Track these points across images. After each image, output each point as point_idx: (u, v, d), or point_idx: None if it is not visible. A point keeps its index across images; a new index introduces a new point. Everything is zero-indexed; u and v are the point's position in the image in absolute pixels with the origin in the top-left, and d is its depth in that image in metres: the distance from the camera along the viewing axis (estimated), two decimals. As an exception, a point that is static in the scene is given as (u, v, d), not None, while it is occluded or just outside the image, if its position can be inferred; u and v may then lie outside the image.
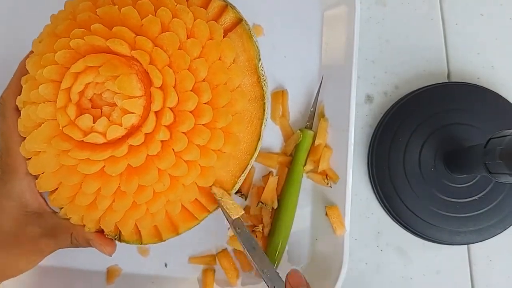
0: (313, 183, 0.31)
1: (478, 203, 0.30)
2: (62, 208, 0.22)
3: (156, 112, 0.20)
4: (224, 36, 0.22)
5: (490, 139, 0.24)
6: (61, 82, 0.19)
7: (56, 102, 0.19)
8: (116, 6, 0.20)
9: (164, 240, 0.23)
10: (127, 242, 0.23)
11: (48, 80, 0.20)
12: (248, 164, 0.23)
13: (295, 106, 0.32)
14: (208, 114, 0.20)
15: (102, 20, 0.20)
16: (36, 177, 0.22)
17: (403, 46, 0.33)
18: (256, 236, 0.30)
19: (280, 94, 0.31)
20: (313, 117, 0.31)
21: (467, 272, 0.31)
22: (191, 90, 0.20)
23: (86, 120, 0.19)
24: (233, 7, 0.23)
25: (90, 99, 0.20)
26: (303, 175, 0.30)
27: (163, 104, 0.19)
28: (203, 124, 0.20)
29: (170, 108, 0.20)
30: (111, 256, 0.24)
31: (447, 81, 0.33)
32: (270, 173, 0.31)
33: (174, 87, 0.20)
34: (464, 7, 0.34)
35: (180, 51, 0.20)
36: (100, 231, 0.23)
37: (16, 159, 0.22)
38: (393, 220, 0.32)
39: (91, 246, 0.24)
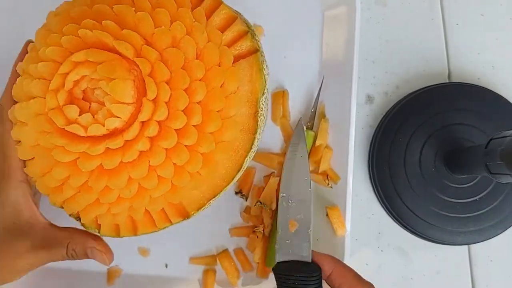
0: (314, 183, 0.31)
1: (479, 204, 0.30)
2: (33, 179, 0.22)
3: (142, 122, 0.20)
4: (236, 61, 0.22)
5: (490, 139, 0.24)
6: (60, 64, 0.19)
7: (50, 82, 0.20)
8: (133, 9, 0.20)
9: (121, 237, 0.23)
10: (86, 228, 0.23)
11: (49, 59, 0.20)
12: (221, 191, 0.22)
13: (295, 107, 0.32)
14: (192, 137, 0.20)
15: (116, 18, 0.20)
16: (30, 186, 0.23)
17: (403, 46, 0.33)
18: (257, 237, 0.30)
19: (280, 94, 0.31)
20: (313, 118, 0.31)
21: (467, 272, 0.31)
22: (182, 110, 0.20)
23: (72, 110, 0.19)
24: (253, 35, 0.23)
25: (83, 90, 0.20)
26: (303, 176, 0.31)
27: (151, 116, 0.19)
28: (185, 145, 0.20)
29: (158, 122, 0.20)
30: (108, 265, 0.24)
31: (447, 81, 0.33)
32: (272, 173, 0.31)
33: (166, 103, 0.20)
34: (464, 7, 0.34)
35: (183, 70, 0.20)
36: (97, 237, 0.23)
37: (12, 165, 0.22)
38: (393, 220, 0.32)
39: (86, 258, 0.23)
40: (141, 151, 0.20)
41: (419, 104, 0.31)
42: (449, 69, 0.34)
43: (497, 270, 0.31)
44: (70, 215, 0.22)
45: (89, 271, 0.30)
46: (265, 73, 0.23)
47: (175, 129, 0.20)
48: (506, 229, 0.31)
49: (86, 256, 0.23)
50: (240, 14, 0.24)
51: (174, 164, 0.20)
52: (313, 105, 0.31)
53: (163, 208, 0.22)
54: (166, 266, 0.30)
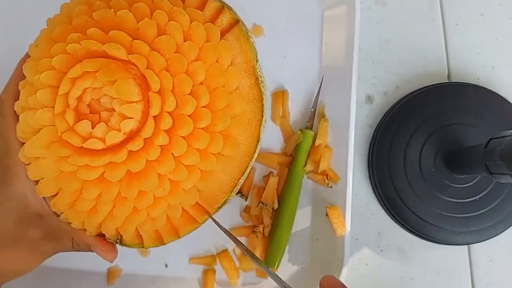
0: (314, 183, 0.31)
1: (479, 203, 0.30)
2: (63, 213, 0.22)
3: (154, 117, 0.19)
4: (221, 38, 0.22)
5: (490, 139, 0.24)
6: (58, 87, 0.19)
7: (54, 107, 0.19)
8: (112, 10, 0.20)
9: (165, 244, 0.23)
10: (129, 246, 0.23)
11: (46, 85, 0.20)
12: (248, 166, 0.22)
13: (295, 107, 0.32)
14: (206, 118, 0.20)
15: (98, 24, 0.20)
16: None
17: (403, 46, 0.33)
18: (257, 236, 0.30)
19: (280, 94, 0.31)
20: (313, 118, 0.31)
21: (467, 272, 0.31)
22: (189, 94, 0.20)
23: (84, 126, 0.19)
24: (229, 8, 0.23)
25: (88, 104, 0.19)
26: (303, 176, 0.31)
27: (161, 109, 0.19)
28: (202, 128, 0.20)
29: (169, 113, 0.20)
30: (112, 262, 0.24)
31: (447, 81, 0.33)
32: (270, 173, 0.31)
33: (172, 91, 0.20)
34: (464, 7, 0.34)
35: (177, 54, 0.20)
36: (101, 236, 0.23)
37: (16, 160, 0.22)
38: (393, 220, 0.32)
39: (90, 251, 0.23)
40: (162, 145, 0.19)
41: (418, 104, 0.31)
42: (448, 69, 0.34)
43: (497, 270, 0.31)
44: (108, 239, 0.22)
45: (89, 271, 0.30)
46: (252, 41, 0.23)
47: (187, 115, 0.20)
48: (506, 229, 0.31)
49: (90, 249, 0.23)
50: None
51: (197, 149, 0.20)
52: (313, 105, 0.31)
53: (197, 202, 0.22)
54: (166, 266, 0.30)
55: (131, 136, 0.20)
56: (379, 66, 0.33)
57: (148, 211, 0.21)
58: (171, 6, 0.20)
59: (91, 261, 0.30)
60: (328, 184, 0.30)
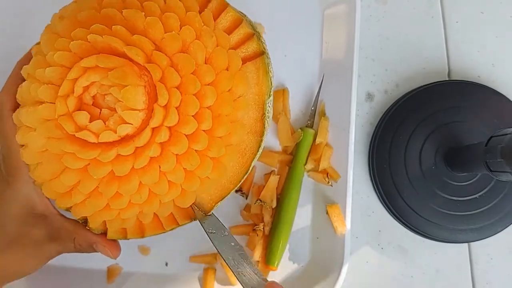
0: (314, 181, 0.31)
1: (479, 201, 0.30)
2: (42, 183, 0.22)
3: (153, 128, 0.19)
4: (242, 63, 0.21)
5: (491, 137, 0.24)
6: (69, 69, 0.19)
7: (59, 87, 0.19)
8: (143, 13, 0.20)
9: (128, 239, 0.23)
10: (93, 231, 0.23)
11: (58, 64, 0.20)
12: (229, 193, 0.22)
13: (296, 105, 0.32)
14: (203, 142, 0.20)
15: (126, 23, 0.20)
16: None
17: (403, 44, 0.33)
18: (257, 235, 0.30)
19: (280, 93, 0.31)
20: (313, 116, 0.31)
21: (467, 270, 0.31)
22: (193, 115, 0.20)
23: (83, 117, 0.19)
24: (259, 38, 0.23)
25: (92, 96, 0.19)
26: (304, 174, 0.30)
27: (162, 122, 0.19)
28: (195, 150, 0.20)
29: (168, 127, 0.20)
30: (116, 259, 0.24)
31: (447, 79, 0.33)
32: (272, 172, 0.31)
33: (177, 108, 0.19)
34: (464, 5, 0.34)
35: (193, 76, 0.20)
36: (104, 234, 0.23)
37: (19, 160, 0.22)
38: (394, 218, 0.32)
39: (95, 251, 0.23)
40: (152, 157, 0.20)
41: (419, 102, 0.31)
42: (449, 67, 0.33)
43: (497, 268, 0.31)
44: (74, 216, 0.22)
45: (89, 269, 0.30)
46: (271, 75, 0.23)
47: (185, 134, 0.20)
48: (506, 227, 0.31)
49: (93, 249, 0.23)
50: (245, 16, 0.24)
51: (185, 169, 0.20)
52: (313, 103, 0.31)
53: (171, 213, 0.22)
54: (166, 264, 0.30)
55: (125, 139, 0.20)
56: (380, 64, 0.33)
57: (119, 212, 0.21)
58: (202, 24, 0.20)
59: (91, 260, 0.30)
60: (328, 182, 0.30)
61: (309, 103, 0.32)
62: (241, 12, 0.23)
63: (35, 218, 0.23)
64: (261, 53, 0.22)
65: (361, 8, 0.29)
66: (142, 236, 0.23)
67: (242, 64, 0.22)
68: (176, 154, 0.20)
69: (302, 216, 0.30)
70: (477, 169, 0.29)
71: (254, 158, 0.22)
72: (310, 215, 0.31)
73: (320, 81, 0.31)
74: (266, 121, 0.22)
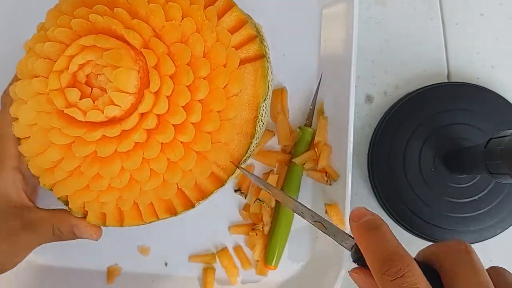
0: (313, 181, 0.31)
1: (478, 203, 0.30)
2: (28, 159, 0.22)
3: (141, 114, 0.20)
4: (242, 64, 0.21)
5: (490, 139, 0.24)
6: (67, 46, 0.20)
7: (55, 62, 0.20)
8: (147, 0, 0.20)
9: (107, 226, 0.23)
10: (73, 213, 0.23)
11: (57, 40, 0.20)
12: (210, 194, 0.22)
13: (294, 104, 0.31)
14: (189, 134, 0.20)
15: (129, 7, 0.20)
16: (23, 173, 0.23)
17: (402, 46, 0.33)
18: (256, 234, 0.30)
19: (279, 92, 0.31)
20: (312, 115, 0.31)
21: (467, 272, 0.31)
22: (183, 106, 0.20)
23: (73, 94, 0.19)
24: (262, 41, 0.23)
25: (86, 75, 0.20)
26: (302, 173, 0.31)
27: (151, 109, 0.19)
28: (181, 141, 0.20)
29: (157, 115, 0.20)
30: (97, 240, 0.24)
31: (446, 81, 0.33)
32: (271, 171, 0.31)
33: (168, 97, 0.20)
34: (464, 7, 0.34)
35: (187, 67, 0.20)
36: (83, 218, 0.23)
37: (6, 153, 0.22)
38: (393, 220, 0.32)
39: (74, 237, 0.23)
40: (137, 142, 0.20)
41: (418, 104, 0.31)
42: (448, 69, 0.34)
43: (497, 270, 0.31)
44: (58, 198, 0.22)
45: (89, 270, 0.30)
46: (269, 79, 0.23)
47: (173, 124, 0.20)
48: (506, 229, 0.31)
49: (73, 234, 0.23)
50: (251, 18, 0.24)
51: (168, 159, 0.20)
52: (312, 102, 0.31)
53: (151, 202, 0.22)
54: (166, 264, 0.30)
55: (112, 121, 0.20)
56: (379, 66, 0.33)
57: (98, 194, 0.21)
58: (204, 18, 0.20)
59: (91, 260, 0.30)
60: (327, 181, 0.30)
61: (308, 102, 0.32)
62: (247, 14, 0.24)
63: (10, 210, 0.23)
64: (262, 56, 0.22)
65: (360, 10, 0.29)
66: (121, 225, 0.23)
67: (242, 64, 0.22)
68: (162, 143, 0.20)
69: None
70: (476, 171, 0.29)
71: (241, 161, 0.22)
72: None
73: (319, 80, 0.31)
74: (258, 124, 0.22)
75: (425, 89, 0.32)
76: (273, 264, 0.29)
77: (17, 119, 0.21)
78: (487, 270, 0.17)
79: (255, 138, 0.22)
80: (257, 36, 0.22)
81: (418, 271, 0.16)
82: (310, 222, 0.21)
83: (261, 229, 0.30)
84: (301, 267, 0.30)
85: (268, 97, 0.23)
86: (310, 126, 0.31)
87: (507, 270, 0.17)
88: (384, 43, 0.33)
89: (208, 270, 0.30)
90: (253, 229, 0.30)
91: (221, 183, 0.22)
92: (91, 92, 0.20)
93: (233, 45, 0.22)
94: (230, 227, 0.30)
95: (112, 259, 0.30)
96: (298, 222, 0.30)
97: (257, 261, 0.30)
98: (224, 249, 0.30)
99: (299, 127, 0.31)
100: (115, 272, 0.30)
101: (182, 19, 0.20)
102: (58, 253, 0.29)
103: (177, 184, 0.21)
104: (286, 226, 0.29)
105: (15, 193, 0.23)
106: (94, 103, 0.19)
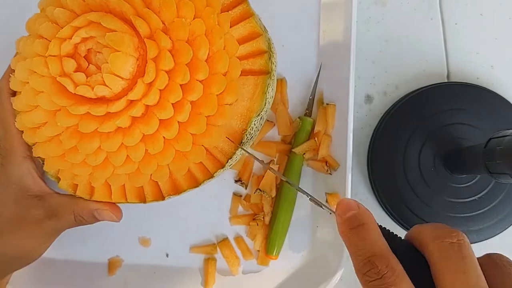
0: (313, 170, 0.31)
1: (478, 203, 0.30)
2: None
3: (130, 100, 0.20)
4: (245, 74, 0.21)
5: (490, 139, 0.24)
6: (77, 16, 0.20)
7: (61, 29, 0.20)
8: None
9: (76, 195, 0.23)
10: (49, 176, 0.23)
11: (69, 8, 0.20)
12: (181, 193, 0.22)
13: (294, 94, 0.31)
14: (173, 131, 0.20)
15: None
16: (34, 161, 0.23)
17: (402, 46, 0.33)
18: (257, 224, 0.29)
19: (279, 82, 0.31)
20: (312, 105, 0.31)
21: (467, 271, 0.31)
22: (173, 104, 0.20)
23: (69, 65, 0.19)
24: (270, 57, 0.22)
25: (87, 49, 0.20)
26: (303, 163, 0.30)
27: (140, 98, 0.19)
28: (163, 136, 0.20)
29: (145, 105, 0.20)
30: (119, 221, 0.24)
31: (446, 81, 0.33)
32: (271, 161, 0.31)
33: (160, 91, 0.20)
34: (463, 7, 0.34)
35: (185, 67, 0.20)
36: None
37: (14, 142, 0.22)
38: (392, 219, 0.32)
39: (96, 221, 0.24)
40: (119, 127, 0.20)
41: (418, 104, 0.32)
42: (448, 69, 0.34)
43: (497, 270, 0.31)
44: (38, 157, 0.23)
45: (90, 261, 0.30)
46: (267, 96, 0.22)
47: (159, 118, 0.20)
48: (506, 229, 0.30)
49: (94, 218, 0.24)
50: (267, 32, 0.24)
51: (146, 150, 0.20)
52: (311, 92, 0.31)
53: (124, 185, 0.22)
54: (167, 255, 0.31)
55: (101, 100, 0.20)
56: (379, 66, 0.33)
57: (93, 170, 0.21)
58: (216, 23, 0.20)
59: (92, 252, 0.30)
60: (327, 170, 0.30)
61: (307, 92, 0.31)
62: (264, 27, 0.23)
63: (31, 199, 0.23)
64: (266, 73, 0.22)
65: (360, 10, 0.30)
66: (90, 198, 0.23)
67: (244, 75, 0.21)
68: (143, 134, 0.20)
69: (301, 205, 0.30)
70: (476, 171, 0.29)
71: (221, 168, 0.22)
72: (310, 203, 0.30)
73: (318, 70, 0.31)
74: (245, 137, 0.22)
75: (425, 89, 0.32)
76: (274, 254, 0.29)
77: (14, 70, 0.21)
78: (481, 258, 0.16)
79: (239, 149, 0.22)
80: (266, 52, 0.22)
81: (400, 271, 0.15)
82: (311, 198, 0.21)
83: (262, 219, 0.29)
84: (302, 256, 0.30)
85: (263, 112, 0.23)
86: (310, 116, 0.31)
87: (504, 258, 0.17)
88: (384, 43, 0.34)
89: (209, 260, 0.30)
90: (253, 219, 0.30)
91: (196, 183, 0.22)
92: (87, 67, 0.20)
93: (240, 55, 0.22)
94: (230, 217, 0.30)
95: (113, 251, 0.30)
96: (299, 212, 0.30)
97: (258, 251, 0.30)
98: (225, 240, 0.30)
99: (299, 117, 0.31)
100: (116, 264, 0.30)
101: (194, 18, 0.20)
102: (59, 245, 0.28)
103: (150, 175, 0.21)
104: (287, 216, 0.29)
105: (32, 182, 0.23)
106: (87, 78, 0.20)
